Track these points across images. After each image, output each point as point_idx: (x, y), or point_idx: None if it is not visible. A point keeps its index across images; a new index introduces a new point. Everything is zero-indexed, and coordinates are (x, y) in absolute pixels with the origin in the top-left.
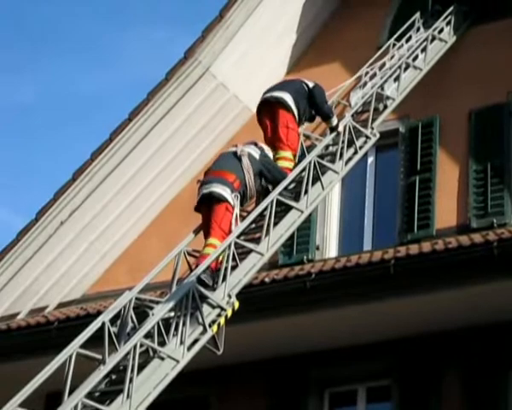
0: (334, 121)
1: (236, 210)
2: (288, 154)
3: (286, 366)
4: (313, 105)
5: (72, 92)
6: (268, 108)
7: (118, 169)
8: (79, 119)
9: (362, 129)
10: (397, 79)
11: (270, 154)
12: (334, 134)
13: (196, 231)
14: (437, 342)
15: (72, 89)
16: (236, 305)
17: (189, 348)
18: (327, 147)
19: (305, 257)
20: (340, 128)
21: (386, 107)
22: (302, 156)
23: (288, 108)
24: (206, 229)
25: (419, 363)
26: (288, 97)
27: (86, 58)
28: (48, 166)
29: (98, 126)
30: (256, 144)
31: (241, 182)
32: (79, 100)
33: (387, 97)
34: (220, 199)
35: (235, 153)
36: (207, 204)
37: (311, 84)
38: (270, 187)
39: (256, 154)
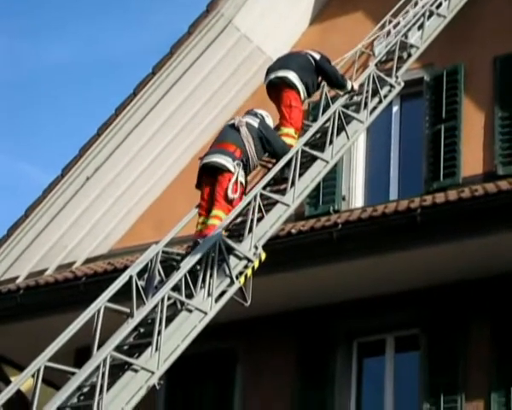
0: (349, 86)
1: (240, 178)
2: (290, 130)
3: (314, 318)
4: (325, 78)
5: (101, 53)
6: (274, 89)
7: (142, 124)
8: (107, 78)
9: (386, 78)
10: (421, 26)
11: (270, 120)
12: (352, 93)
13: (198, 206)
14: (464, 291)
15: (101, 50)
16: (263, 256)
17: (216, 300)
18: (351, 97)
19: (331, 208)
20: (356, 87)
21: (410, 55)
22: (327, 107)
23: (292, 86)
24: (207, 202)
25: (447, 312)
26: (291, 75)
27: (115, 19)
28: (73, 122)
29: (124, 85)
30: (255, 114)
31: (242, 151)
32: (108, 60)
33: (411, 46)
34: (223, 169)
35: (233, 125)
36: (209, 176)
37: (317, 56)
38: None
39: (255, 123)
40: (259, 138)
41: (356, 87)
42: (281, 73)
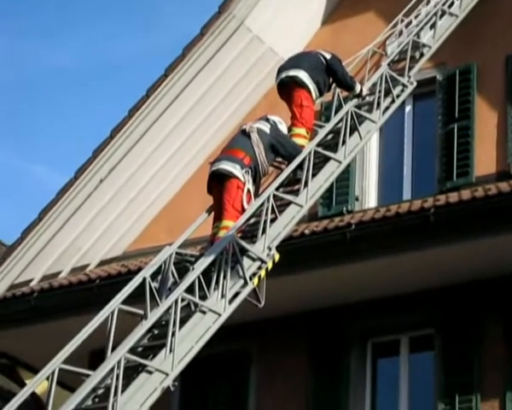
0: (358, 89)
1: (248, 185)
2: (301, 130)
3: (327, 318)
4: (334, 78)
5: (111, 55)
6: (285, 88)
7: (155, 125)
8: (117, 81)
9: (399, 77)
10: (433, 26)
11: (283, 126)
12: (360, 99)
13: (209, 211)
14: (478, 291)
15: (110, 52)
16: (277, 257)
17: (230, 302)
18: (363, 97)
19: (344, 208)
20: (365, 92)
21: (422, 55)
22: (339, 107)
23: (302, 86)
24: (217, 209)
25: (461, 312)
26: (302, 74)
27: (123, 21)
28: (86, 125)
29: (136, 87)
30: (267, 119)
31: (251, 158)
32: (118, 63)
33: (424, 45)
34: (230, 176)
35: (244, 131)
36: (218, 184)
37: (328, 56)
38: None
39: (266, 128)
40: (270, 145)
41: (365, 92)
42: (292, 73)
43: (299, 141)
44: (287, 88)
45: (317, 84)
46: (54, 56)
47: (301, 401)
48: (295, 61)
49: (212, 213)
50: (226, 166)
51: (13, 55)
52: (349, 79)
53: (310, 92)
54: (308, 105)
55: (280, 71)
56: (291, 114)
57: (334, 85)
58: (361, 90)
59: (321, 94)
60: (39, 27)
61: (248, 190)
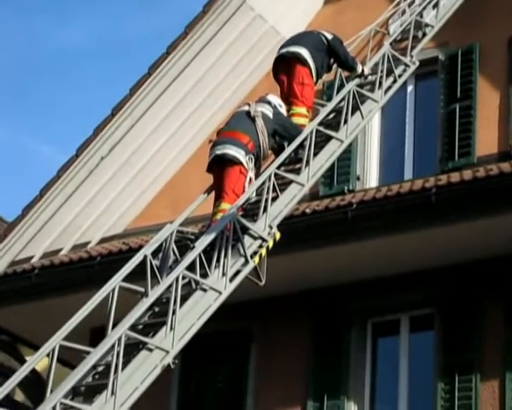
0: (359, 69)
1: (250, 174)
2: (302, 110)
3: (328, 297)
4: (336, 59)
5: (119, 35)
6: (284, 64)
7: (156, 104)
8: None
9: (401, 57)
10: (435, 5)
11: (283, 109)
12: (362, 78)
13: (208, 191)
14: (479, 271)
15: (117, 31)
16: (278, 236)
17: (231, 280)
18: (365, 77)
19: (345, 187)
20: (366, 72)
21: (425, 34)
22: (341, 86)
23: (304, 63)
24: (217, 191)
25: (461, 292)
26: (304, 52)
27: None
28: (87, 102)
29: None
30: (269, 102)
31: (254, 143)
32: (125, 42)
33: (426, 25)
34: (234, 161)
35: (248, 113)
36: (220, 165)
37: (329, 36)
38: (285, 144)
39: (269, 112)
40: (273, 130)
41: (366, 71)
42: (294, 49)
43: (300, 121)
44: (287, 64)
45: (316, 64)
46: (63, 35)
47: (301, 380)
48: (297, 39)
49: (213, 192)
50: (231, 150)
51: (24, 33)
52: (350, 59)
53: (311, 70)
54: (309, 83)
55: (281, 48)
56: (291, 92)
57: (335, 65)
58: (362, 70)
59: (319, 75)
60: (51, 5)
61: (250, 179)
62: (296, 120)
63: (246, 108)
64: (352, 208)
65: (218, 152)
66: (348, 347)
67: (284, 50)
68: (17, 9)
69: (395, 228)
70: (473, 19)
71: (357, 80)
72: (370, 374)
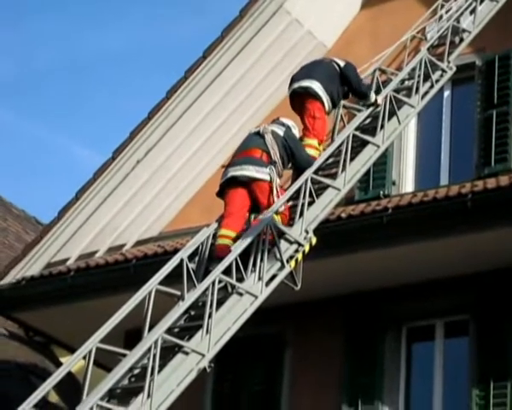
0: (373, 97)
1: (275, 184)
2: (313, 142)
3: (363, 302)
4: (349, 87)
5: (159, 39)
6: (298, 99)
7: (193, 107)
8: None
9: (438, 62)
10: (473, 11)
11: (296, 131)
12: (372, 108)
13: (219, 221)
14: None
15: (158, 36)
16: (314, 240)
17: (267, 284)
18: (402, 81)
19: (381, 192)
20: (380, 101)
21: (462, 40)
22: (378, 91)
23: (316, 97)
24: (235, 213)
25: (496, 298)
26: (316, 85)
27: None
28: (125, 106)
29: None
30: (282, 123)
31: (268, 154)
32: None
33: (463, 30)
34: (257, 179)
35: (258, 132)
36: (236, 187)
37: (341, 63)
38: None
39: (280, 131)
40: (284, 147)
41: (379, 101)
42: (305, 83)
43: (310, 152)
44: (299, 99)
45: (331, 94)
46: (103, 40)
47: (335, 385)
48: (308, 71)
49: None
50: (247, 172)
51: (65, 39)
52: (364, 87)
53: (323, 103)
54: (320, 117)
55: (292, 80)
56: (303, 125)
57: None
58: (375, 99)
59: (334, 105)
60: (91, 13)
61: (276, 188)
62: (307, 151)
63: (256, 129)
64: (388, 213)
65: (235, 174)
66: (382, 352)
67: (296, 85)
68: (62, 17)
69: (430, 233)
70: (510, 24)
71: (393, 84)
72: (405, 380)
